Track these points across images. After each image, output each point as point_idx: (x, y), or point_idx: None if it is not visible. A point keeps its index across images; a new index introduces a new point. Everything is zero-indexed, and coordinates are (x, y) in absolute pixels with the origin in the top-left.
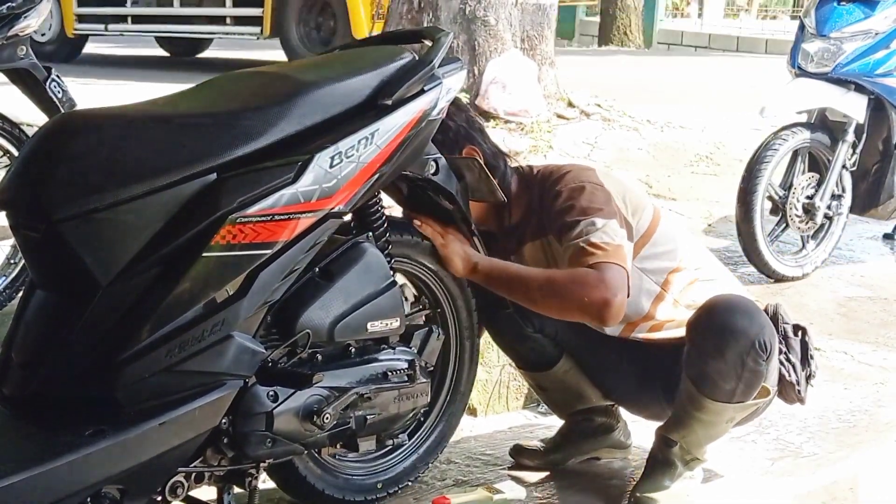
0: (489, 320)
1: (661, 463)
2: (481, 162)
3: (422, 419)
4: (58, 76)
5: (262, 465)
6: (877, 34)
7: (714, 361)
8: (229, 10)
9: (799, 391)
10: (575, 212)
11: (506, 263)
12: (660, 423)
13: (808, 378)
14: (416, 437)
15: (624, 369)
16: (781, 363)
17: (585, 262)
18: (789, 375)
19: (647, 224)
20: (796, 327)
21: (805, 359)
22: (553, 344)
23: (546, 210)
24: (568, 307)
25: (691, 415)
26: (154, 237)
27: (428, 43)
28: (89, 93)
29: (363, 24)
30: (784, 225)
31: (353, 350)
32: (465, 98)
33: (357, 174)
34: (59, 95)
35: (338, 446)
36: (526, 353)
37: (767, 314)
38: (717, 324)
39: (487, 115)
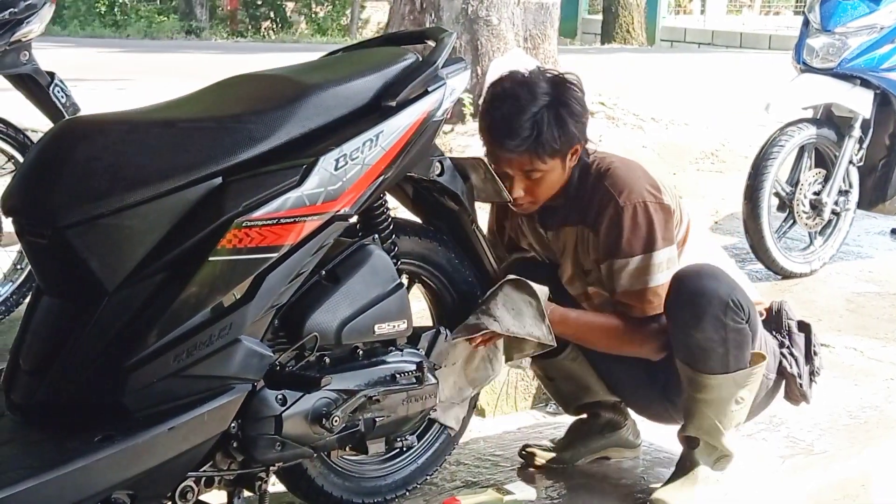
0: None
1: (685, 467)
2: (487, 163)
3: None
4: (61, 81)
5: (271, 468)
6: (882, 28)
7: (694, 331)
8: None
9: (801, 385)
10: (640, 240)
11: (567, 322)
12: (661, 424)
13: (811, 374)
14: (425, 438)
15: (629, 363)
16: (784, 356)
17: (645, 310)
18: (790, 368)
19: (681, 234)
20: (801, 324)
21: (808, 355)
22: None
23: (597, 209)
24: (629, 352)
25: (695, 398)
26: (160, 242)
27: (431, 43)
28: (93, 97)
29: None
30: (791, 221)
31: (361, 352)
32: (467, 98)
33: (362, 176)
34: (63, 100)
35: (347, 449)
36: None
37: (772, 311)
38: (687, 292)
39: None
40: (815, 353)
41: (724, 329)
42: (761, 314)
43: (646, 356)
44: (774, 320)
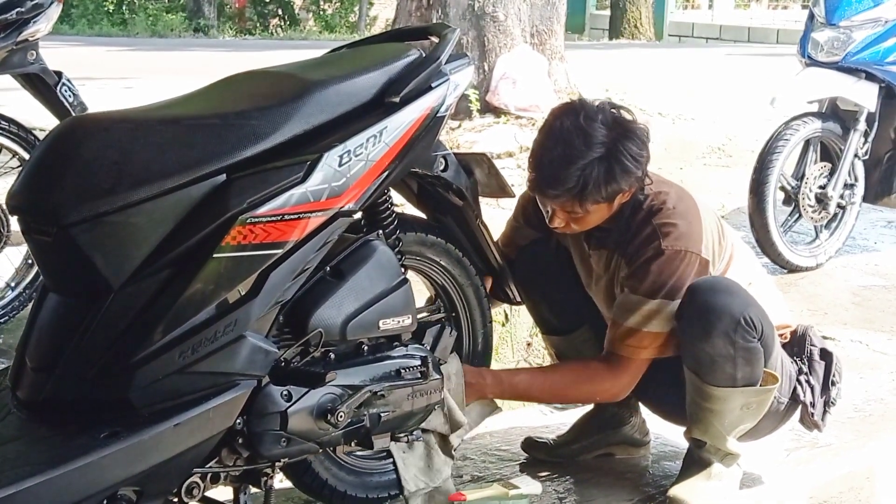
0: (523, 283)
1: (696, 462)
2: (490, 158)
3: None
4: (68, 80)
5: (277, 464)
6: (886, 22)
7: (704, 344)
8: None
9: (812, 414)
10: (665, 286)
11: (515, 387)
12: (671, 423)
13: (826, 404)
14: None
15: None
16: (799, 382)
17: (638, 353)
18: (804, 396)
19: (722, 267)
20: (823, 351)
21: (826, 385)
22: (577, 313)
23: (639, 244)
24: (588, 399)
25: (700, 406)
26: (165, 239)
27: (435, 40)
28: (101, 95)
29: None
30: (797, 215)
31: (366, 348)
32: (474, 94)
33: (366, 172)
34: (71, 99)
35: (352, 444)
36: (549, 317)
37: (797, 334)
38: (699, 305)
39: (498, 112)
40: (834, 384)
41: (734, 346)
42: (785, 337)
43: (608, 400)
44: (797, 344)
